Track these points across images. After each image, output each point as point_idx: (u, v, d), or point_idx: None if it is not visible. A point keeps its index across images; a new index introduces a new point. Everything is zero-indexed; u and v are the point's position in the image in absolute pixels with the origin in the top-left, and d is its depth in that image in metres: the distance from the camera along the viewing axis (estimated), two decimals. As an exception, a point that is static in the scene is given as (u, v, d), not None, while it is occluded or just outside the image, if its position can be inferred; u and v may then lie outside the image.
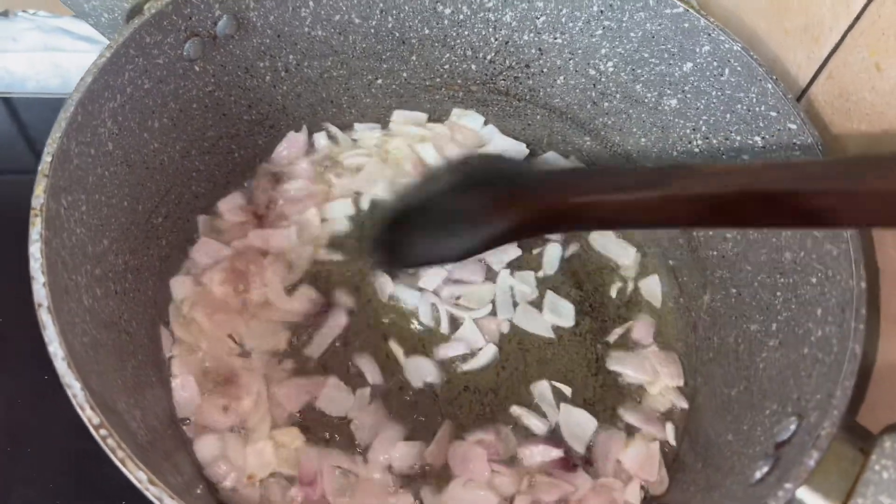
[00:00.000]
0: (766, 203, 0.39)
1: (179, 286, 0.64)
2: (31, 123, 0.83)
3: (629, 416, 0.64)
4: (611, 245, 0.74)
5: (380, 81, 0.74)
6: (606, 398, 0.65)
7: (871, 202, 0.37)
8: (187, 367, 0.61)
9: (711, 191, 0.41)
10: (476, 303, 0.69)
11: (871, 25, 0.55)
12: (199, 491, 0.54)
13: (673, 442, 0.63)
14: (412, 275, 0.69)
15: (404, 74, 0.74)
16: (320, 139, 0.76)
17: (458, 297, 0.69)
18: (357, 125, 0.78)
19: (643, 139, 0.70)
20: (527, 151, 0.78)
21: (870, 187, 0.37)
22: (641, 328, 0.69)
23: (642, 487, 0.61)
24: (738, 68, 0.60)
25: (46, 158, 0.46)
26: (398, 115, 0.78)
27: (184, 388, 0.59)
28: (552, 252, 0.72)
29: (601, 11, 0.65)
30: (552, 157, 0.79)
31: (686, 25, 0.61)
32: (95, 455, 0.58)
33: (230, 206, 0.69)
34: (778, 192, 0.39)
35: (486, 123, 0.79)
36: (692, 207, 0.42)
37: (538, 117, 0.76)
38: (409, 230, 0.54)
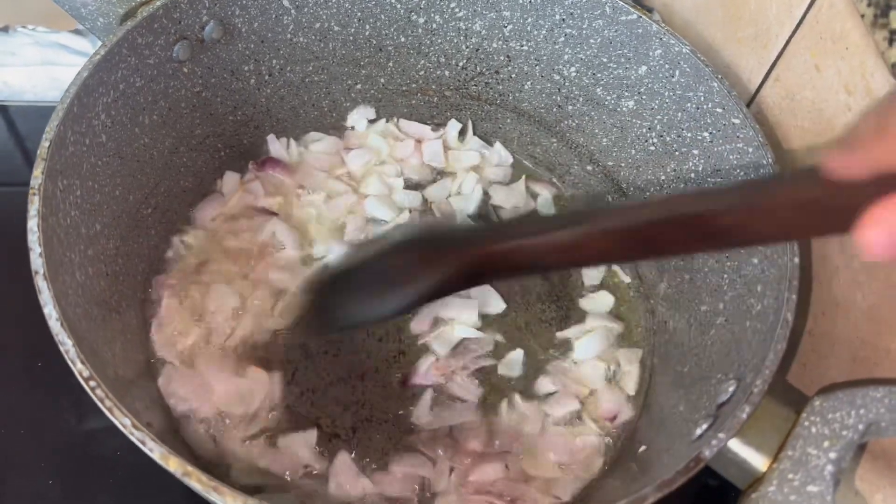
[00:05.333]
0: (677, 229, 0.39)
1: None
2: (28, 134, 0.84)
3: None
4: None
5: (359, 86, 0.77)
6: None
7: (775, 216, 0.36)
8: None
9: (623, 224, 0.41)
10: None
11: (810, 31, 0.59)
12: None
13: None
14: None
15: (382, 80, 0.78)
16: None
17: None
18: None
19: (604, 139, 0.74)
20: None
21: (773, 202, 0.36)
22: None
23: None
24: (687, 69, 0.63)
25: (44, 144, 0.49)
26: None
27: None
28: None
29: (563, 20, 0.69)
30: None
31: (640, 31, 0.65)
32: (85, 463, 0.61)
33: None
34: (685, 216, 0.39)
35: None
36: (608, 242, 0.42)
37: (508, 121, 0.80)
38: (338, 294, 0.54)
